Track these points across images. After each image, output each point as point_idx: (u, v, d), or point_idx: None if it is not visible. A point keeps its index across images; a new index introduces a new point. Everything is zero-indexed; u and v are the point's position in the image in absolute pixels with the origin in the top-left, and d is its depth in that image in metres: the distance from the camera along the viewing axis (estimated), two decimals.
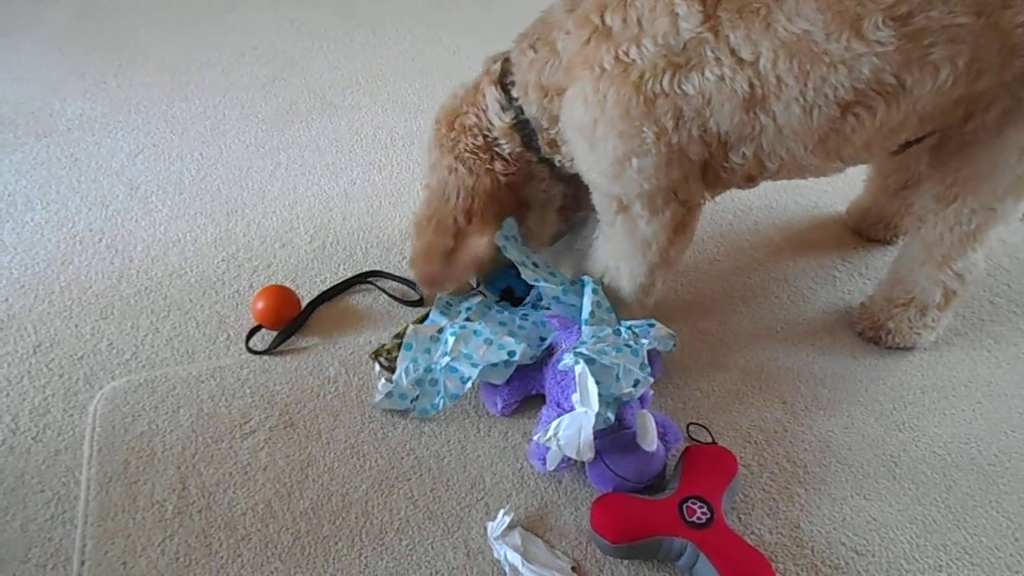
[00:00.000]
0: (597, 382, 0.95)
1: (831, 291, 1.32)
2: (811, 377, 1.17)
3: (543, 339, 1.13)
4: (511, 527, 0.96)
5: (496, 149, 1.09)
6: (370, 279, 1.30)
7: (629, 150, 0.96)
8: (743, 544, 0.90)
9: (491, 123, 1.08)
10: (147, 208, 1.45)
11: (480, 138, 1.08)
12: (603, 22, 0.94)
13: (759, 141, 0.95)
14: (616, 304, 1.14)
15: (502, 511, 0.96)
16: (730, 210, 1.49)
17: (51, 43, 1.95)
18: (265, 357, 1.18)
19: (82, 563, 0.92)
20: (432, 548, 0.95)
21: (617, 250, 1.11)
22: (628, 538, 0.91)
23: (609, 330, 1.04)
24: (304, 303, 1.25)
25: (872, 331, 1.22)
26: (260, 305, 1.20)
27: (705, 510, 0.92)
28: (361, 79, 1.87)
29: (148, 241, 1.38)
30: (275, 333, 1.20)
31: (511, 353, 1.07)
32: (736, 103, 0.91)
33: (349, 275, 1.32)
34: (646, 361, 1.00)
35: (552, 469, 0.98)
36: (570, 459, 0.97)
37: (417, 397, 1.09)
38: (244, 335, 1.20)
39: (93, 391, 1.12)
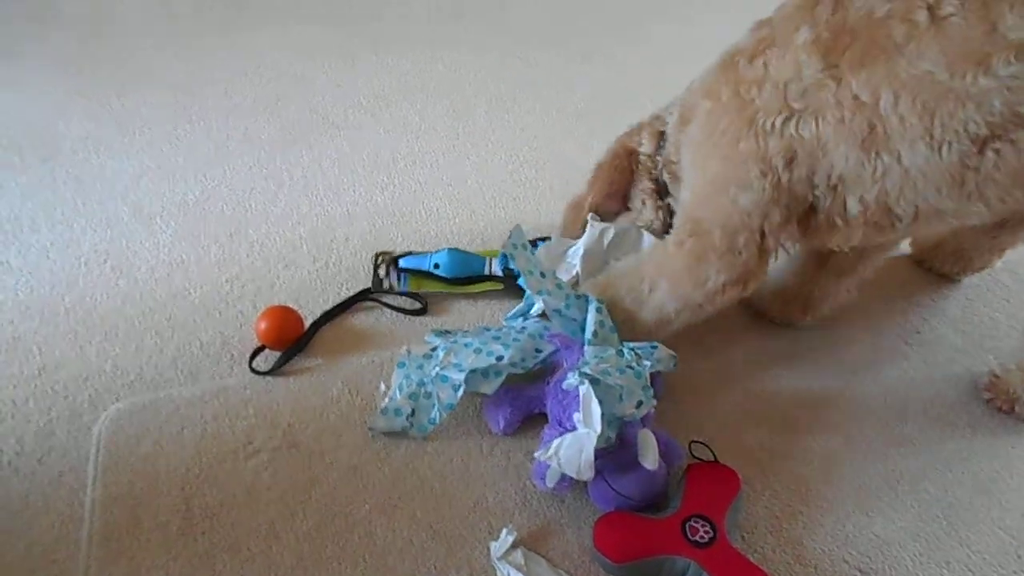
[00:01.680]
0: (600, 402, 0.96)
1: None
2: (813, 396, 1.18)
3: (538, 351, 1.13)
4: (514, 546, 0.96)
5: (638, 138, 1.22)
6: (372, 296, 1.31)
7: (729, 177, 0.98)
8: (746, 563, 0.90)
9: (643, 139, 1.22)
10: (151, 229, 1.46)
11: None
12: (733, 59, 0.99)
13: (882, 184, 0.93)
14: (625, 324, 1.13)
15: (505, 530, 0.97)
16: None
17: (55, 64, 1.97)
18: (268, 377, 1.18)
19: None
20: (435, 568, 0.95)
21: (668, 268, 1.09)
22: (631, 557, 0.91)
23: (612, 351, 1.05)
24: (307, 323, 1.26)
25: (1007, 404, 1.17)
26: (263, 325, 1.21)
27: (708, 529, 0.92)
28: (363, 99, 1.88)
29: (152, 262, 1.39)
30: (278, 353, 1.21)
31: (499, 358, 1.08)
32: (853, 143, 0.91)
33: (351, 294, 1.32)
34: (648, 383, 1.01)
35: (551, 487, 0.98)
36: (570, 477, 0.98)
37: (413, 412, 1.10)
38: (247, 355, 1.21)
39: (97, 412, 1.12)
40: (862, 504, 1.03)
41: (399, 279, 1.34)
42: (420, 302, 1.29)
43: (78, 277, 1.36)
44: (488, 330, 1.19)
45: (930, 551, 0.98)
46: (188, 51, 2.06)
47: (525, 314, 1.22)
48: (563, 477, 0.98)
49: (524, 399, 1.11)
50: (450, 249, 1.33)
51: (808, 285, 1.24)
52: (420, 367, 1.12)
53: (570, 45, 2.18)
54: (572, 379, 1.00)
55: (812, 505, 1.03)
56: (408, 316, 1.29)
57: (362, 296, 1.31)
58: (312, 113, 1.83)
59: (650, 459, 0.97)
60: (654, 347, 1.08)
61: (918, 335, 1.28)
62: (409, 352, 1.15)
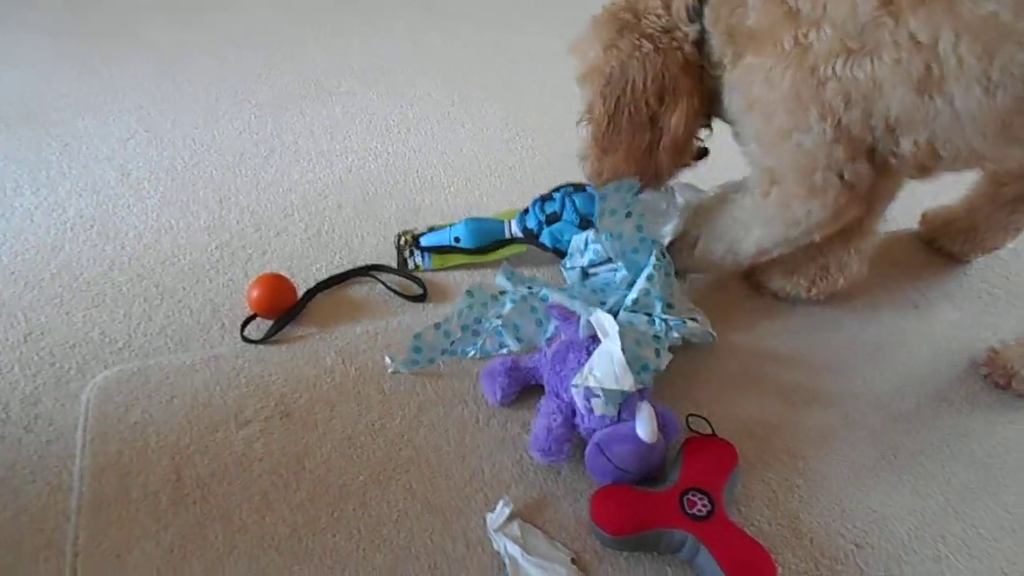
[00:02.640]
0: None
1: None
2: (811, 369, 1.17)
3: (603, 302, 1.13)
4: (510, 518, 0.95)
5: (678, 35, 1.05)
6: (371, 272, 1.29)
7: (791, 125, 0.98)
8: (744, 536, 0.90)
9: (675, 19, 1.05)
10: (139, 194, 1.43)
11: (666, 19, 1.05)
12: (794, 4, 0.95)
13: (932, 127, 0.92)
14: (725, 257, 1.18)
15: (501, 502, 0.96)
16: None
17: (41, 29, 1.92)
18: (260, 346, 1.16)
19: (75, 555, 0.91)
20: (431, 540, 0.94)
21: (760, 217, 1.11)
22: (628, 530, 0.91)
23: (644, 319, 1.04)
24: (300, 292, 1.23)
25: (1005, 379, 1.15)
26: (255, 293, 1.19)
27: (706, 502, 0.92)
28: (355, 66, 1.84)
29: (140, 228, 1.36)
30: (270, 322, 1.18)
31: (550, 339, 1.12)
32: (909, 85, 0.90)
33: (345, 264, 1.30)
34: (666, 349, 1.04)
35: (602, 414, 0.97)
36: (567, 443, 0.98)
37: (455, 341, 1.12)
38: (239, 324, 1.18)
39: (85, 380, 1.10)
40: (859, 479, 1.02)
41: (423, 258, 1.31)
42: (421, 287, 1.26)
43: (64, 242, 1.32)
44: (560, 288, 1.17)
45: (926, 525, 0.98)
46: (177, 15, 2.01)
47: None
48: (562, 439, 0.98)
49: (521, 370, 1.10)
50: (467, 220, 1.32)
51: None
52: (484, 305, 1.15)
53: (566, 13, 2.14)
54: (583, 323, 1.04)
55: (809, 479, 1.02)
56: (408, 293, 1.27)
57: (361, 271, 1.28)
58: (304, 79, 1.79)
59: (648, 431, 0.95)
60: (690, 320, 1.11)
61: (916, 310, 1.27)
62: (480, 286, 1.17)
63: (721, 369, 1.16)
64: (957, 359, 1.19)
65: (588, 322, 1.05)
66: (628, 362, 0.98)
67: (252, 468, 1.01)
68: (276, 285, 1.20)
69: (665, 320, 1.09)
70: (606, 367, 0.98)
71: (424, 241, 1.32)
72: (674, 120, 1.06)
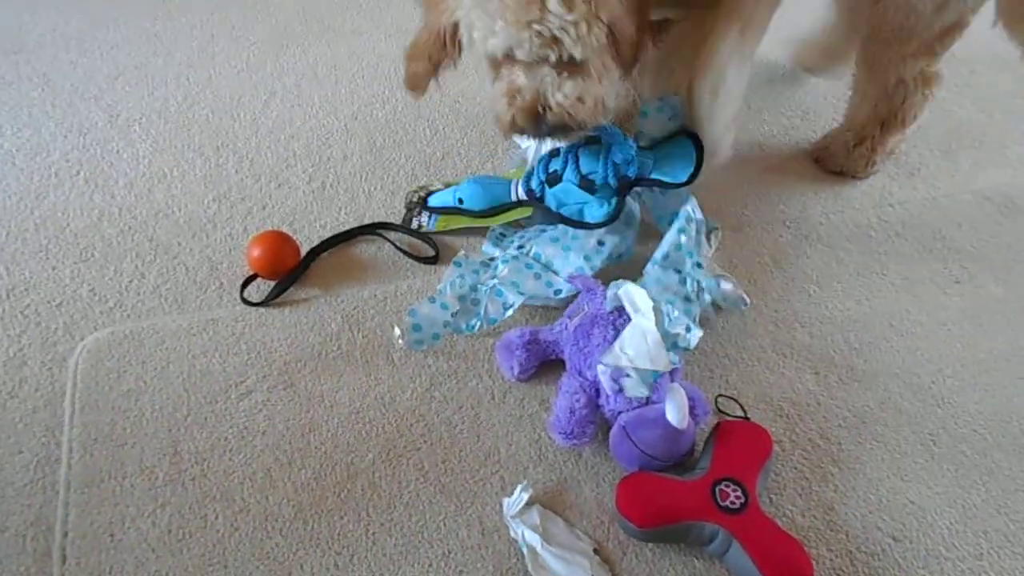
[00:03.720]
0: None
1: (865, 246, 1.24)
2: (845, 346, 1.10)
3: (601, 243, 1.09)
4: (529, 504, 0.89)
5: None
6: (379, 231, 1.20)
7: None
8: (779, 531, 0.84)
9: None
10: (129, 138, 1.33)
11: None
12: None
13: None
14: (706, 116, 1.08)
15: (519, 487, 0.90)
16: (760, 160, 1.39)
17: None
18: (261, 309, 1.09)
19: (65, 534, 0.85)
20: (444, 525, 0.88)
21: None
22: (656, 522, 0.85)
23: (676, 277, 0.98)
24: (304, 250, 1.15)
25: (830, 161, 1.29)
26: (256, 252, 1.11)
27: (739, 493, 0.86)
28: (362, 1, 1.71)
29: (131, 175, 1.27)
30: (272, 283, 1.11)
31: (557, 292, 1.05)
32: None
33: (351, 220, 1.22)
34: (696, 320, 0.98)
35: (635, 396, 0.92)
36: (591, 425, 0.93)
37: (456, 313, 1.04)
38: (238, 284, 1.11)
39: (74, 342, 1.03)
40: (896, 467, 0.97)
41: (429, 219, 1.22)
42: (433, 248, 1.18)
43: (48, 188, 1.23)
44: (542, 232, 1.14)
45: (967, 519, 0.92)
46: None
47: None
48: (585, 422, 0.92)
49: (540, 344, 1.03)
50: (471, 180, 1.21)
51: None
52: (476, 272, 1.08)
53: None
54: (610, 292, 0.98)
55: (844, 467, 0.97)
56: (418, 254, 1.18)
57: (369, 229, 1.20)
58: (306, 14, 1.66)
59: (679, 416, 0.89)
60: (722, 278, 1.06)
61: (957, 285, 1.20)
62: (466, 255, 1.11)
63: (751, 345, 1.09)
64: (1000, 339, 1.12)
65: (615, 295, 0.98)
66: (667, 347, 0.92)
67: (254, 443, 0.94)
68: (278, 244, 1.12)
69: (697, 281, 1.03)
70: (639, 345, 0.92)
71: (431, 201, 1.22)
72: None
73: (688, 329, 0.99)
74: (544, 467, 0.94)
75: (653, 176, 1.10)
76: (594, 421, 0.94)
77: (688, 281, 1.04)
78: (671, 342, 0.97)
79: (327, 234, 1.19)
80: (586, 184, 1.09)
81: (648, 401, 0.93)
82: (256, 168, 1.30)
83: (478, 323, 1.04)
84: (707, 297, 1.04)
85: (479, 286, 1.06)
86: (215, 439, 0.94)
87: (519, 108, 0.96)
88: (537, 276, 1.08)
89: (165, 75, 1.46)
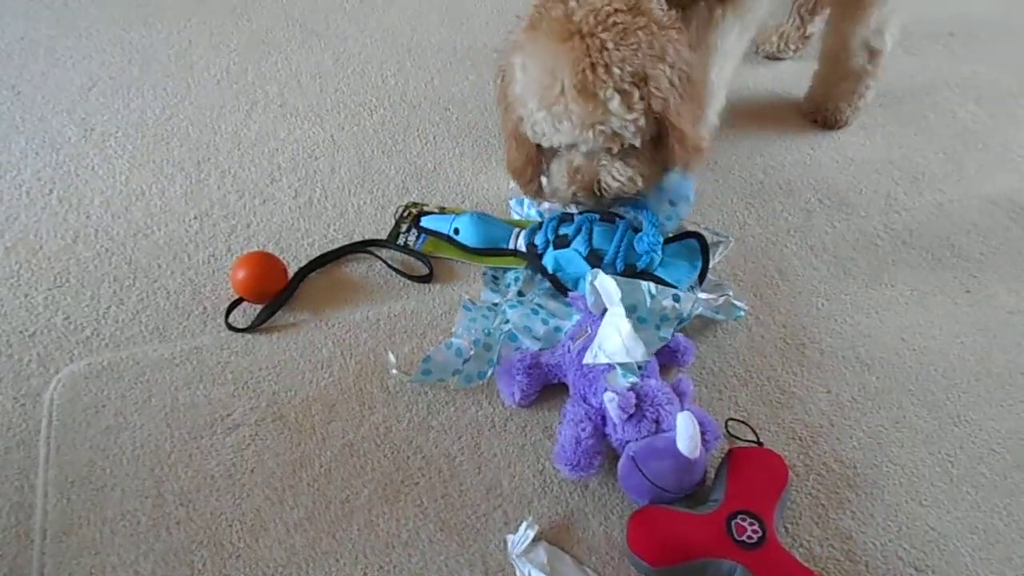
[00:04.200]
0: (627, 302, 0.91)
1: (872, 256, 1.20)
2: (857, 362, 1.06)
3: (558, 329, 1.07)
4: (535, 541, 0.85)
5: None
6: (369, 248, 1.15)
7: None
8: (798, 567, 0.80)
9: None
10: (104, 153, 1.26)
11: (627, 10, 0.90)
12: None
13: None
14: None
15: (524, 523, 0.85)
16: (761, 167, 1.35)
17: None
18: (248, 336, 1.03)
19: None
20: (446, 566, 0.84)
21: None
22: (671, 560, 0.81)
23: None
24: (291, 271, 1.10)
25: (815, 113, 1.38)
26: (241, 275, 1.05)
27: (756, 527, 0.82)
28: (347, 4, 1.66)
29: (107, 193, 1.21)
30: (258, 307, 1.05)
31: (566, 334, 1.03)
32: None
33: (340, 237, 1.16)
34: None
35: (622, 385, 0.90)
36: (598, 456, 0.88)
37: (468, 360, 0.99)
38: (223, 309, 1.05)
39: (48, 375, 0.97)
40: (914, 491, 0.93)
41: (417, 238, 1.16)
42: (427, 266, 1.12)
43: (19, 209, 1.17)
44: (534, 274, 1.12)
45: (990, 545, 0.89)
46: None
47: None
48: (592, 452, 0.88)
49: (541, 368, 0.98)
50: (474, 214, 1.15)
51: None
52: (486, 317, 1.04)
53: None
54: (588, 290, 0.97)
55: (861, 492, 0.93)
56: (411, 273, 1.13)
57: (358, 247, 1.15)
58: (288, 19, 1.60)
59: (690, 446, 0.85)
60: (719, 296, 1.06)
61: (968, 295, 1.16)
62: (472, 301, 1.07)
63: (760, 364, 1.05)
64: (1014, 350, 1.09)
65: (592, 286, 0.96)
66: (655, 324, 0.93)
67: (243, 481, 0.89)
68: (264, 265, 1.07)
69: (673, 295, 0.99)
70: (613, 339, 0.90)
71: (425, 222, 1.16)
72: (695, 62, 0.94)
73: (676, 299, 0.95)
74: (549, 499, 0.90)
75: (657, 273, 1.07)
76: (601, 451, 0.89)
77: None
78: (660, 317, 0.94)
79: (315, 252, 1.14)
80: (593, 258, 1.07)
81: (657, 428, 0.88)
82: (239, 183, 1.24)
83: (490, 370, 1.00)
84: (685, 307, 0.97)
85: (492, 330, 1.02)
86: (201, 478, 0.89)
87: (580, 186, 1.03)
88: (545, 322, 1.05)
89: (141, 85, 1.39)
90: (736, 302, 1.08)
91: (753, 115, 1.45)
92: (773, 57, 1.58)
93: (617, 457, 0.90)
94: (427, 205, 1.20)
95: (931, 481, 0.94)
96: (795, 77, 1.50)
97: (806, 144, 1.40)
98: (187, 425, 0.93)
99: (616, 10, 0.89)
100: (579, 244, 1.07)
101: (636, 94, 0.91)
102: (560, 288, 1.08)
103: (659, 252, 1.07)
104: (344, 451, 0.93)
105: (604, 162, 1.00)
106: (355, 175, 1.27)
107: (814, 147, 1.40)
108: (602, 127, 0.93)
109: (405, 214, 1.18)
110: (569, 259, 1.08)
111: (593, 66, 0.89)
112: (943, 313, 1.13)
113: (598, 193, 1.03)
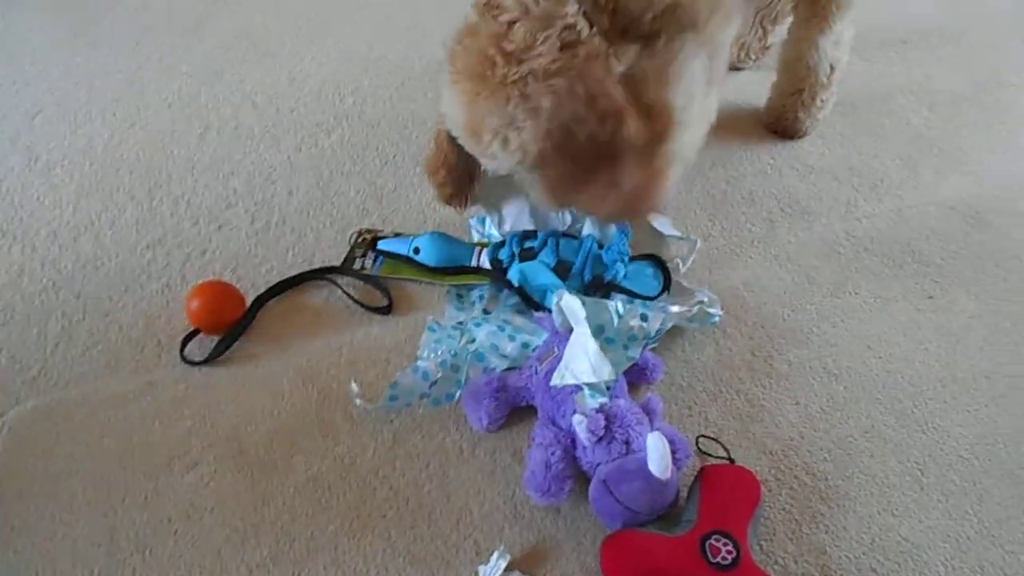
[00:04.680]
0: (594, 323, 0.91)
1: (835, 264, 1.21)
2: (824, 372, 1.06)
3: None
4: (507, 571, 0.83)
5: (575, 31, 0.83)
6: (328, 276, 1.12)
7: None
8: None
9: (550, 14, 0.82)
10: (51, 183, 1.22)
11: (548, 33, 0.82)
12: None
13: None
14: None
15: (496, 553, 0.83)
16: (723, 177, 1.35)
17: None
18: (205, 369, 1.00)
19: None
20: None
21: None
22: None
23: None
24: (249, 300, 1.07)
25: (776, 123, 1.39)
26: (195, 305, 1.02)
27: (731, 547, 0.81)
28: (302, 23, 1.63)
29: (54, 224, 1.16)
30: (215, 339, 1.02)
31: (534, 349, 1.01)
32: None
33: (299, 263, 1.14)
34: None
35: (591, 406, 0.88)
36: (568, 480, 0.86)
37: (436, 382, 0.97)
38: (178, 341, 1.02)
39: None
40: (887, 501, 0.93)
41: (375, 261, 1.13)
42: (387, 296, 1.10)
43: None
44: (500, 291, 1.11)
45: (962, 553, 0.89)
46: None
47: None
48: (562, 477, 0.86)
49: (509, 391, 0.96)
50: (434, 233, 1.13)
51: None
52: (452, 337, 1.01)
53: None
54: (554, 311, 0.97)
55: (833, 504, 0.92)
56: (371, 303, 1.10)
57: (317, 274, 1.12)
58: (241, 39, 1.57)
59: (661, 466, 0.84)
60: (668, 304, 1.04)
61: (930, 300, 1.17)
62: (437, 322, 1.03)
63: (729, 377, 1.04)
64: (978, 357, 1.10)
65: (557, 306, 0.95)
66: (623, 344, 0.93)
67: (202, 521, 0.86)
68: (220, 294, 1.04)
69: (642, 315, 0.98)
70: (580, 363, 0.89)
71: (382, 245, 1.14)
72: (632, 131, 0.85)
73: (644, 318, 0.96)
74: (520, 527, 0.88)
75: (624, 284, 1.08)
76: (572, 475, 0.88)
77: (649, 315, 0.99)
78: (628, 337, 0.94)
79: (274, 279, 1.11)
80: (562, 268, 1.07)
81: (628, 449, 0.87)
82: (193, 210, 1.21)
83: (458, 392, 0.98)
84: (653, 326, 0.97)
85: (459, 350, 1.00)
86: (158, 520, 0.86)
87: None
88: (512, 338, 1.02)
89: (89, 111, 1.35)
90: (710, 309, 1.07)
91: (713, 125, 1.45)
92: (732, 68, 1.59)
93: (588, 481, 0.88)
94: (381, 231, 1.18)
95: (902, 490, 0.94)
96: (754, 87, 1.51)
97: (766, 153, 1.41)
98: (142, 465, 0.90)
99: (517, 52, 0.82)
100: (546, 255, 1.07)
101: (512, 142, 0.85)
102: (528, 301, 1.08)
103: (626, 262, 1.08)
104: (308, 485, 0.90)
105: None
106: (313, 198, 1.25)
107: (774, 156, 1.40)
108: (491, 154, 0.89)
109: (360, 240, 1.15)
110: (535, 271, 1.07)
111: (480, 98, 0.85)
112: (907, 320, 1.14)
113: None
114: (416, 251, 1.11)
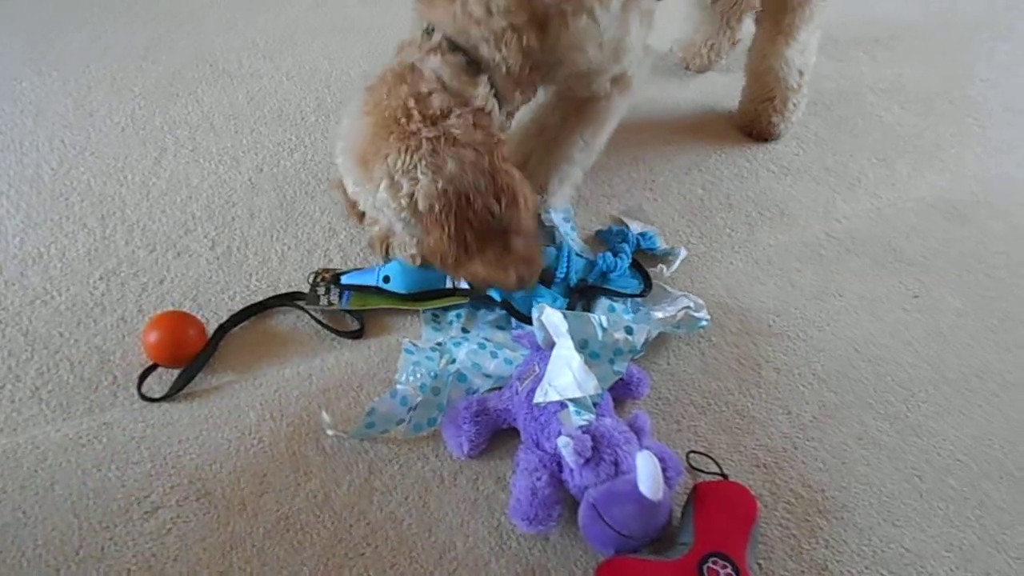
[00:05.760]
0: (577, 337, 0.88)
1: (817, 267, 1.18)
2: (813, 378, 1.03)
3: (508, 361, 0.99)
4: None
5: (485, 114, 0.92)
6: (296, 301, 1.06)
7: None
8: None
9: (463, 92, 0.90)
10: None
11: (463, 110, 0.89)
12: None
13: None
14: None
15: None
16: (700, 183, 1.32)
17: None
18: (165, 405, 0.94)
19: None
20: None
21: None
22: None
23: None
24: (210, 330, 1.01)
25: (749, 127, 1.39)
26: (153, 338, 0.96)
27: (729, 570, 0.76)
28: (260, 41, 1.58)
29: None
30: (175, 372, 0.96)
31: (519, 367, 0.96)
32: None
33: (264, 288, 1.08)
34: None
35: (583, 425, 0.84)
36: (556, 507, 0.82)
37: (415, 407, 0.92)
38: (135, 377, 0.96)
39: None
40: (886, 510, 0.90)
41: (341, 296, 1.06)
42: (358, 321, 1.04)
43: None
44: (477, 309, 1.08)
45: (967, 562, 0.86)
46: None
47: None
48: (550, 503, 0.82)
49: (489, 414, 0.92)
50: (399, 260, 1.08)
51: None
52: (430, 359, 0.96)
53: None
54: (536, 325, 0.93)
55: (831, 517, 0.89)
56: (341, 328, 1.05)
57: (283, 300, 1.06)
58: (198, 58, 1.51)
59: (652, 487, 0.79)
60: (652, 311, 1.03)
61: (916, 300, 1.15)
62: (414, 344, 0.99)
63: (717, 388, 1.01)
64: (967, 355, 1.08)
65: (539, 321, 0.91)
66: (609, 358, 0.90)
67: (165, 571, 0.80)
68: (178, 325, 0.98)
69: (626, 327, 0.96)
70: (564, 378, 0.85)
71: (345, 279, 1.07)
72: (526, 211, 0.92)
73: (629, 331, 0.94)
74: (508, 558, 0.83)
75: (607, 286, 1.09)
76: (559, 500, 0.83)
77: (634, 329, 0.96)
78: (613, 351, 0.92)
79: (237, 306, 1.05)
80: (545, 277, 1.05)
81: (617, 470, 0.82)
82: (149, 237, 1.14)
83: (439, 416, 0.93)
84: (639, 339, 0.95)
85: (439, 372, 0.95)
86: (116, 573, 0.79)
87: (370, 239, 1.02)
88: (493, 355, 0.98)
89: (36, 138, 1.29)
90: (696, 313, 1.04)
91: (688, 130, 1.42)
92: (703, 70, 1.57)
93: (577, 505, 0.84)
94: (340, 270, 1.10)
95: (901, 499, 0.91)
96: (726, 90, 1.49)
97: (742, 157, 1.38)
98: (98, 513, 0.83)
99: (434, 115, 0.87)
100: None
101: (404, 187, 0.87)
102: (516, 315, 1.04)
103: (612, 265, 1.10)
104: (279, 526, 0.84)
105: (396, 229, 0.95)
106: (277, 219, 1.19)
107: (750, 159, 1.38)
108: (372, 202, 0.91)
109: (321, 278, 1.08)
110: None
111: (385, 134, 0.87)
112: (893, 320, 1.12)
113: (385, 254, 0.99)
114: (386, 280, 1.05)
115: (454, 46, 0.91)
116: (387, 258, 1.00)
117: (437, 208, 0.86)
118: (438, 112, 0.87)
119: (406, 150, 0.86)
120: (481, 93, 0.91)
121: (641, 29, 1.02)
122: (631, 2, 0.97)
